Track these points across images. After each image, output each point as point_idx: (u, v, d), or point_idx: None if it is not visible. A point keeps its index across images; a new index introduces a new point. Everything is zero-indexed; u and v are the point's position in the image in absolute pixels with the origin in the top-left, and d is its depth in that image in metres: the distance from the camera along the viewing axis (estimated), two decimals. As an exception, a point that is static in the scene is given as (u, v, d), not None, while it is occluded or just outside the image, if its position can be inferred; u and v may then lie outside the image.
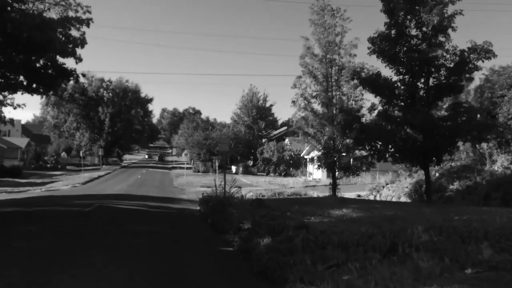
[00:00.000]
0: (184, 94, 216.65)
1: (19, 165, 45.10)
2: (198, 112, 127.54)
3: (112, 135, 68.79)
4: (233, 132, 57.10)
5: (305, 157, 49.89)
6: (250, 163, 57.85)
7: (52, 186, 31.91)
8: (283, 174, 44.67)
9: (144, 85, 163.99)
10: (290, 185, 30.52)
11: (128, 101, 71.27)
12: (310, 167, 47.74)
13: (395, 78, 13.35)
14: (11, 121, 67.69)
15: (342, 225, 7.89)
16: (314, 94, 18.03)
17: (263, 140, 59.85)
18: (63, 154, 57.70)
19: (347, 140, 18.29)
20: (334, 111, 18.24)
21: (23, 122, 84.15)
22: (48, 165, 56.13)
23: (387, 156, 13.34)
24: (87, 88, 67.90)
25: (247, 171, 50.89)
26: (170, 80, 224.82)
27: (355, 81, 14.79)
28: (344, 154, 18.03)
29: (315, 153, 41.12)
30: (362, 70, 13.89)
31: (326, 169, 18.62)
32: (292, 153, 50.91)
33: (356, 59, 17.74)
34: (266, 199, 16.39)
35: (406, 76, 13.14)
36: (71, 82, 16.62)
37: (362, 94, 17.91)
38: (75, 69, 16.08)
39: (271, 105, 65.33)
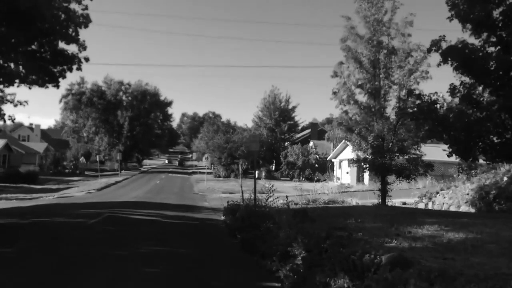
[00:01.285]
0: (203, 97, 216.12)
1: (35, 170, 43.57)
2: (218, 116, 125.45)
3: (131, 139, 67.14)
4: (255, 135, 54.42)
5: (332, 160, 46.67)
6: (272, 167, 55.10)
7: (66, 192, 29.98)
8: (315, 179, 41.65)
9: (161, 83, 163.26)
10: (319, 190, 27.52)
11: (147, 105, 69.40)
12: (338, 172, 44.47)
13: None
14: (19, 125, 67.28)
15: (456, 257, 5.06)
16: (359, 83, 15.14)
17: (286, 143, 56.97)
18: (82, 159, 56.38)
19: (395, 141, 15.38)
20: (382, 102, 15.39)
21: (45, 127, 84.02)
22: (67, 170, 54.80)
23: (477, 153, 10.29)
24: (105, 92, 66.69)
25: (270, 176, 48.08)
26: (185, 72, 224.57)
27: (434, 53, 11.70)
28: (397, 154, 15.04)
29: (344, 155, 37.97)
30: (442, 39, 10.94)
31: (374, 172, 15.66)
32: (318, 157, 47.92)
33: (412, 40, 14.85)
34: (306, 209, 13.62)
35: (499, 47, 10.10)
36: (75, 68, 14.12)
37: (418, 83, 14.95)
38: (77, 53, 13.75)
39: (294, 107, 62.32)
